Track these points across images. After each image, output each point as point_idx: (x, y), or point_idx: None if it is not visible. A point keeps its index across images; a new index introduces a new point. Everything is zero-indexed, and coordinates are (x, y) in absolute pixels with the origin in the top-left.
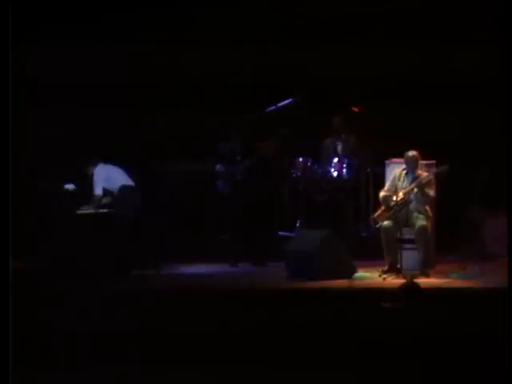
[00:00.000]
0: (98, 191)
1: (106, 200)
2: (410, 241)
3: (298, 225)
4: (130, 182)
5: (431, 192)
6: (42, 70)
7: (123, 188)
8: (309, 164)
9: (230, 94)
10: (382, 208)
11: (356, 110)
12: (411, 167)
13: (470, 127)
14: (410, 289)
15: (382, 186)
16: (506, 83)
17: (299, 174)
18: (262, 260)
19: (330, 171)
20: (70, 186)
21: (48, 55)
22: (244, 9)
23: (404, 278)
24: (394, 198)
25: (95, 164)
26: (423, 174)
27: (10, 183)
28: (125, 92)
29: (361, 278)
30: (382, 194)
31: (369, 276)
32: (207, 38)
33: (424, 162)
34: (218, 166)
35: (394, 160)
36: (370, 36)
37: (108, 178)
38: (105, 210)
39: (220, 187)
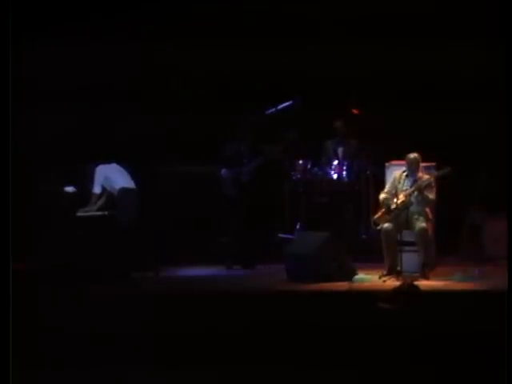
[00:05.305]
0: (96, 190)
1: (102, 200)
2: (410, 243)
3: (298, 227)
4: (130, 184)
5: (431, 195)
6: (42, 69)
7: (123, 190)
8: (309, 166)
9: (230, 96)
10: (382, 210)
11: (356, 112)
12: (412, 169)
13: (469, 128)
14: (410, 291)
15: (381, 188)
16: (506, 84)
17: (299, 176)
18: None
19: (330, 173)
20: (70, 188)
21: (48, 55)
22: (244, 9)
23: (404, 280)
24: (395, 201)
25: (96, 164)
26: (424, 176)
27: (11, 184)
28: (128, 92)
29: (361, 281)
30: (381, 196)
31: (369, 278)
32: (210, 39)
33: (424, 164)
34: (223, 171)
35: (394, 162)
36: (369, 37)
37: (107, 177)
38: (105, 213)
39: (224, 189)
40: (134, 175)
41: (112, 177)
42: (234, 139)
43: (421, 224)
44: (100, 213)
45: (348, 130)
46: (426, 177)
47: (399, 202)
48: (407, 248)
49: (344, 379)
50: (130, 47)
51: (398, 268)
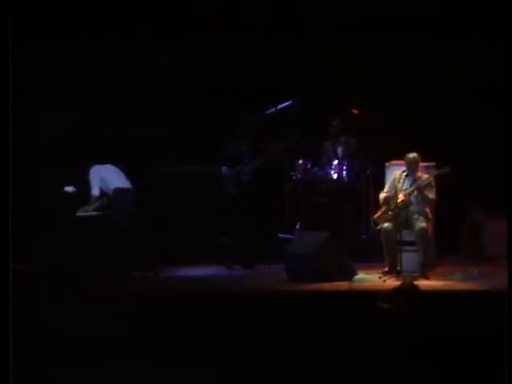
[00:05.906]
0: (95, 192)
1: (102, 201)
2: (410, 243)
3: (298, 227)
4: (125, 184)
5: (431, 194)
6: (42, 69)
7: (118, 190)
8: (308, 166)
9: (230, 96)
10: (382, 210)
11: (355, 112)
12: (411, 169)
13: (469, 128)
14: (410, 291)
15: (381, 187)
16: (506, 84)
17: (299, 176)
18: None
19: (329, 173)
20: (69, 188)
21: (48, 55)
22: (244, 9)
23: (404, 280)
24: (394, 200)
25: (91, 165)
26: (423, 176)
27: (11, 184)
28: (128, 92)
29: (361, 281)
30: (381, 195)
31: (369, 278)
32: (210, 39)
33: (423, 163)
34: (224, 169)
35: (394, 162)
36: (369, 37)
37: (103, 177)
38: (99, 213)
39: (224, 187)
40: (130, 175)
41: (108, 177)
42: (234, 139)
43: (421, 224)
44: (95, 213)
45: (346, 130)
46: (426, 176)
47: (399, 201)
48: (407, 248)
49: (344, 379)
50: (129, 47)
51: (398, 268)
